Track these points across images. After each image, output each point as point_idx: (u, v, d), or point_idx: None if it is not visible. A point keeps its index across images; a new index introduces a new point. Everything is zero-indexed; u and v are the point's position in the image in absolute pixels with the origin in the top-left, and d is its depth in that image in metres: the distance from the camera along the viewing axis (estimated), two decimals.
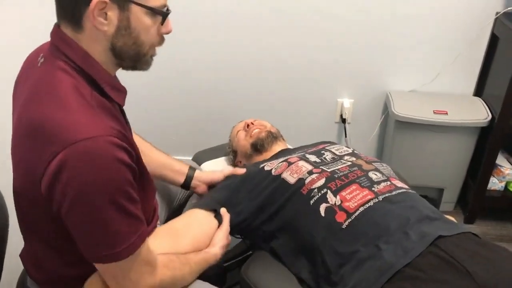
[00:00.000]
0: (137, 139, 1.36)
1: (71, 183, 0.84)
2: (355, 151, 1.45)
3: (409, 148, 2.20)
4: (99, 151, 0.84)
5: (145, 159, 1.38)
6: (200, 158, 1.87)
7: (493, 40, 2.14)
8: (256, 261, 1.34)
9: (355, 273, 1.08)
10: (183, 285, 1.11)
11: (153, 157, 1.38)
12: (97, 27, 0.89)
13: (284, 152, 1.52)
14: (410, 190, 1.28)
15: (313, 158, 1.37)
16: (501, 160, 2.18)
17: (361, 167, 1.32)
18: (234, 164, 1.76)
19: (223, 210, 1.29)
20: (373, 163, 1.36)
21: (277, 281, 1.27)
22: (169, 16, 0.97)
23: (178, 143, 2.46)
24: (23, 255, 1.12)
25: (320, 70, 2.29)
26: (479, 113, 2.11)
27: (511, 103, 1.96)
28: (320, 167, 1.32)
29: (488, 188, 2.18)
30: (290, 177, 1.29)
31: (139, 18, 0.92)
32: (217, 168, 1.77)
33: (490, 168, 2.12)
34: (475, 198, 2.20)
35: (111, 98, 0.96)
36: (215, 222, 1.27)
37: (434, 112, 2.10)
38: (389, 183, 1.27)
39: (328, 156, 1.39)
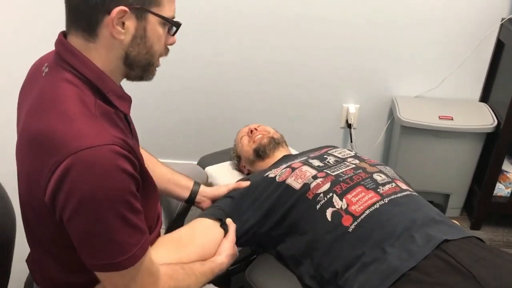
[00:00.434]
0: (142, 153, 1.37)
1: (74, 191, 0.84)
2: (357, 154, 1.46)
3: (414, 154, 2.20)
4: (102, 160, 0.84)
5: (151, 173, 1.39)
6: (205, 162, 1.88)
7: (499, 46, 2.14)
8: (260, 264, 1.34)
9: (359, 276, 1.08)
10: None
11: (157, 172, 1.37)
12: (114, 36, 0.89)
13: (286, 158, 1.53)
14: (414, 193, 1.28)
15: (316, 162, 1.38)
16: (507, 166, 2.17)
17: (365, 170, 1.32)
18: (239, 168, 1.77)
19: (229, 220, 1.29)
20: (376, 166, 1.36)
21: (281, 284, 1.27)
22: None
23: (184, 147, 2.48)
24: (29, 261, 1.12)
25: (325, 76, 2.29)
26: (485, 119, 2.11)
27: None
28: (324, 170, 1.32)
29: (494, 194, 2.16)
30: (295, 183, 1.30)
31: (154, 28, 0.93)
32: (221, 172, 1.78)
33: (496, 174, 2.11)
34: (481, 204, 2.19)
35: (116, 107, 0.96)
36: (220, 231, 1.26)
37: (440, 118, 2.10)
38: (394, 184, 1.27)
39: (331, 159, 1.40)
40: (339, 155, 1.43)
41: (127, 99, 1.02)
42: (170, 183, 1.40)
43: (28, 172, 0.93)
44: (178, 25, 0.97)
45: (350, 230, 1.16)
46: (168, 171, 1.41)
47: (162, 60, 1.02)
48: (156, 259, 1.08)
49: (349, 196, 1.22)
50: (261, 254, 1.38)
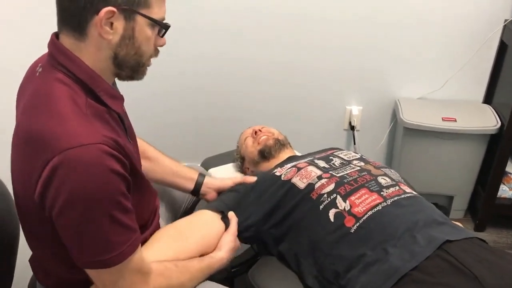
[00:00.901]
0: (147, 147, 1.38)
1: (62, 189, 0.85)
2: (363, 156, 1.46)
3: (418, 156, 2.19)
4: (90, 159, 0.85)
5: (156, 166, 1.38)
6: (209, 164, 1.89)
7: (502, 47, 2.14)
8: (263, 266, 1.35)
9: (361, 276, 1.08)
10: None
11: (163, 164, 1.40)
12: (103, 36, 0.91)
13: (291, 159, 1.53)
14: (417, 195, 1.28)
15: (322, 163, 1.38)
16: (511, 167, 2.17)
17: (370, 172, 1.32)
18: (242, 170, 1.78)
19: (230, 214, 1.29)
20: (381, 169, 1.36)
21: (283, 286, 1.27)
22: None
23: (187, 149, 2.48)
24: (31, 261, 1.13)
25: (328, 77, 2.30)
26: (488, 121, 2.10)
27: None
28: (329, 172, 1.32)
29: (498, 196, 2.16)
30: (300, 182, 1.30)
31: (143, 29, 0.94)
32: (225, 174, 1.78)
33: (500, 175, 2.11)
34: (485, 206, 2.18)
35: (108, 106, 0.97)
36: (221, 223, 1.27)
37: (443, 119, 2.10)
38: (398, 187, 1.27)
39: (336, 161, 1.40)
40: (345, 157, 1.43)
41: (120, 98, 1.03)
42: (175, 176, 1.42)
43: (22, 170, 0.95)
44: (166, 27, 0.98)
45: (352, 231, 1.16)
46: (172, 163, 1.43)
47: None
48: (155, 252, 1.10)
49: (352, 198, 1.22)
50: (263, 256, 1.38)
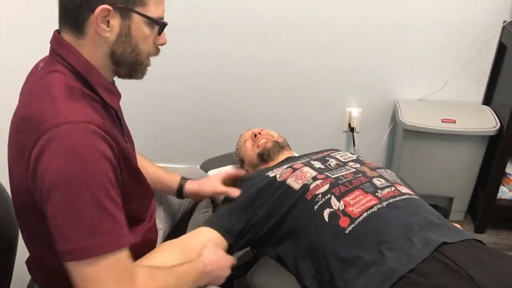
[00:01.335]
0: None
1: (49, 167, 0.84)
2: (359, 158, 1.46)
3: (417, 157, 2.19)
4: (77, 136, 0.85)
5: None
6: (208, 166, 1.89)
7: (501, 49, 2.14)
8: (261, 267, 1.35)
9: (359, 278, 1.08)
10: None
11: (149, 171, 1.36)
12: (99, 33, 0.93)
13: (289, 160, 1.54)
14: (414, 196, 1.28)
15: (317, 164, 1.38)
16: (510, 168, 2.16)
17: (365, 174, 1.32)
18: None
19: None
20: (377, 170, 1.37)
21: (282, 287, 1.27)
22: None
23: (186, 151, 2.49)
24: (28, 262, 1.13)
25: (328, 79, 2.30)
26: (487, 122, 2.10)
27: None
28: (325, 173, 1.33)
29: (498, 197, 2.16)
30: (295, 183, 1.31)
31: (139, 27, 0.96)
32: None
33: (500, 177, 2.11)
34: (484, 207, 2.18)
35: (103, 100, 0.99)
36: (222, 242, 1.27)
37: (443, 121, 2.10)
38: (393, 188, 1.27)
39: (332, 162, 1.41)
40: (341, 158, 1.44)
41: (117, 94, 1.04)
42: (158, 182, 1.40)
43: (16, 157, 0.95)
44: (162, 24, 0.99)
45: (347, 231, 1.16)
46: (156, 170, 1.42)
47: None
48: (159, 262, 1.08)
49: (347, 198, 1.22)
50: (262, 258, 1.38)
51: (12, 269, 1.18)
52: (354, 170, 1.35)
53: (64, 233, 0.86)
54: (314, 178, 1.30)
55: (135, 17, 0.95)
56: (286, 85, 2.33)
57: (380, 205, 1.20)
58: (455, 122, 2.10)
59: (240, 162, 1.75)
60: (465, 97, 2.28)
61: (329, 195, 1.24)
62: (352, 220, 1.17)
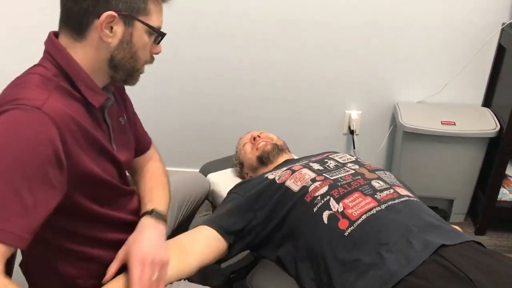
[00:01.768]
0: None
1: None
2: (358, 159, 1.46)
3: (417, 159, 2.19)
4: (24, 121, 0.86)
5: None
6: (208, 169, 1.89)
7: (500, 51, 2.14)
8: (261, 270, 1.35)
9: (358, 281, 1.08)
10: None
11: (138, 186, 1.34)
12: (102, 38, 0.96)
13: (288, 162, 1.54)
14: (413, 198, 1.28)
15: (316, 166, 1.39)
16: (511, 170, 2.16)
17: (364, 176, 1.33)
18: (241, 175, 1.78)
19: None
20: (376, 172, 1.37)
21: None
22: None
23: (186, 154, 2.49)
24: (22, 264, 1.14)
25: (328, 82, 2.30)
26: (487, 124, 2.10)
27: None
28: (323, 174, 1.33)
29: (498, 199, 2.15)
30: (294, 185, 1.31)
31: (141, 35, 1.00)
32: (224, 179, 1.78)
33: (500, 179, 2.10)
34: (485, 209, 2.18)
35: (85, 98, 0.99)
36: (221, 241, 1.26)
37: (442, 123, 2.10)
38: (392, 190, 1.27)
39: (331, 164, 1.41)
40: (340, 160, 1.44)
41: (100, 94, 1.03)
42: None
43: None
44: (162, 34, 1.04)
45: (346, 234, 1.16)
46: (143, 189, 1.32)
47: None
48: None
49: (346, 200, 1.22)
50: (262, 261, 1.38)
51: (12, 269, 1.18)
52: (353, 171, 1.35)
53: None
54: (313, 180, 1.30)
55: (138, 25, 0.98)
56: (286, 88, 2.33)
57: (379, 208, 1.19)
58: (455, 124, 2.10)
59: (240, 165, 1.75)
60: (465, 99, 2.28)
61: (328, 197, 1.24)
62: (351, 222, 1.17)
